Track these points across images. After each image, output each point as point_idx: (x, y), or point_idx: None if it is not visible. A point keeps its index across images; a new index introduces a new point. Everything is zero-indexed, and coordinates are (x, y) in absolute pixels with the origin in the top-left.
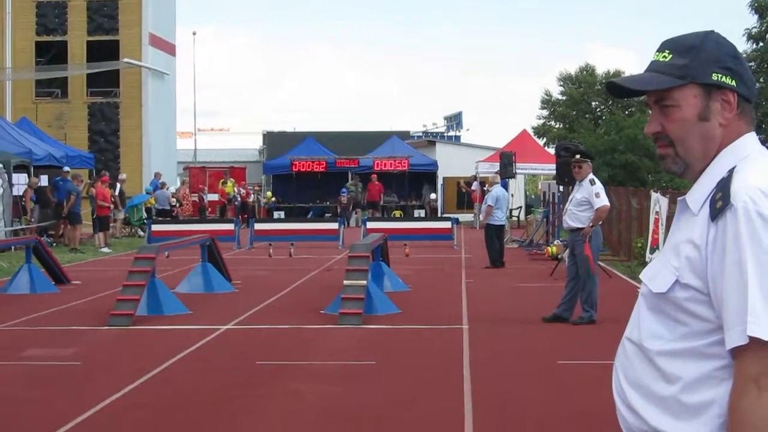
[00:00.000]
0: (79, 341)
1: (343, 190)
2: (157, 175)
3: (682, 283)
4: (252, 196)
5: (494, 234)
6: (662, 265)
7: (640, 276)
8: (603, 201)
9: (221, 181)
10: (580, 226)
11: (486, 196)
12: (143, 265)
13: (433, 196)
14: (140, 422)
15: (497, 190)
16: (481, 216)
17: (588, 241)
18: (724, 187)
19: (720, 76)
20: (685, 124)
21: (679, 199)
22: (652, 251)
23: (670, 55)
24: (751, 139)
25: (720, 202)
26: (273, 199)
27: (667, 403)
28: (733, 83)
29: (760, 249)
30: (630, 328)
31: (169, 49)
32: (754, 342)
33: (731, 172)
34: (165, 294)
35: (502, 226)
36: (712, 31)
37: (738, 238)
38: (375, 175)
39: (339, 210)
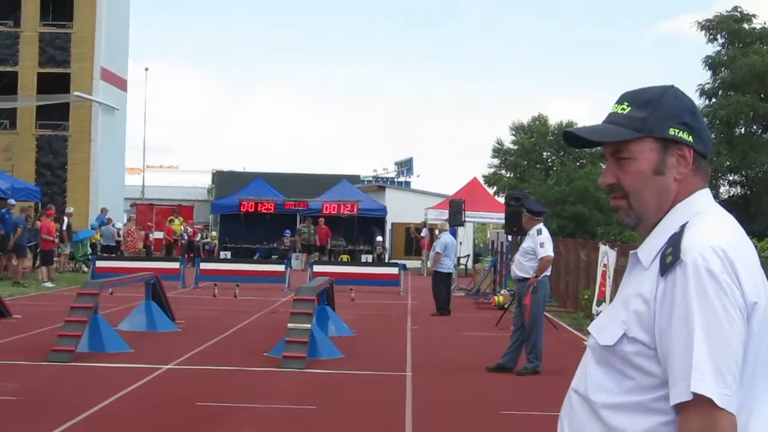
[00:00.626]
0: (18, 377)
1: (287, 231)
2: (104, 211)
3: (630, 336)
4: (198, 235)
5: (441, 281)
6: (611, 318)
7: (588, 328)
8: (547, 251)
9: (169, 219)
10: (526, 276)
11: (434, 243)
12: (86, 301)
13: (379, 239)
14: None
15: (446, 237)
16: (429, 263)
17: (533, 292)
18: (675, 242)
19: (677, 131)
20: (640, 177)
21: (630, 252)
22: (599, 303)
23: (629, 108)
24: (705, 195)
25: (670, 257)
26: (214, 241)
27: None
28: (690, 139)
29: (707, 305)
30: (576, 380)
31: (121, 84)
32: (698, 399)
33: (683, 227)
34: (107, 331)
35: (450, 273)
36: (672, 86)
37: (686, 294)
38: (323, 219)
39: (282, 252)
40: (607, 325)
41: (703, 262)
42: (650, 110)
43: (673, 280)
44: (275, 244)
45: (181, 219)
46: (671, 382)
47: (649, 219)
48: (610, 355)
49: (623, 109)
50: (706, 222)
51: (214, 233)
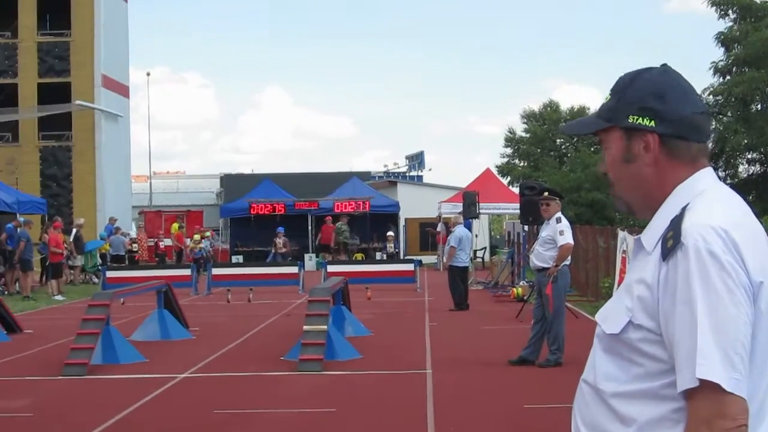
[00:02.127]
0: (31, 392)
1: (280, 228)
2: (112, 221)
3: (635, 323)
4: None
5: (458, 276)
6: (615, 306)
7: (595, 317)
8: (566, 239)
9: (176, 225)
10: (545, 265)
11: (449, 237)
12: (97, 313)
13: (390, 234)
14: None
15: (460, 230)
16: (444, 258)
17: (553, 282)
18: (675, 225)
19: (636, 118)
20: (615, 166)
21: (634, 238)
22: None
23: (608, 96)
24: (705, 174)
25: (671, 240)
26: (202, 246)
27: None
28: (652, 124)
29: (710, 288)
30: (586, 370)
31: (123, 90)
32: (705, 384)
33: (684, 209)
34: (120, 342)
35: (466, 267)
36: (650, 68)
37: (688, 278)
38: (330, 218)
39: (273, 256)
40: (611, 313)
41: (704, 244)
42: (617, 98)
43: (675, 263)
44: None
45: (177, 225)
46: (677, 369)
47: (638, 205)
48: (617, 343)
49: (607, 97)
50: (707, 202)
51: (197, 236)
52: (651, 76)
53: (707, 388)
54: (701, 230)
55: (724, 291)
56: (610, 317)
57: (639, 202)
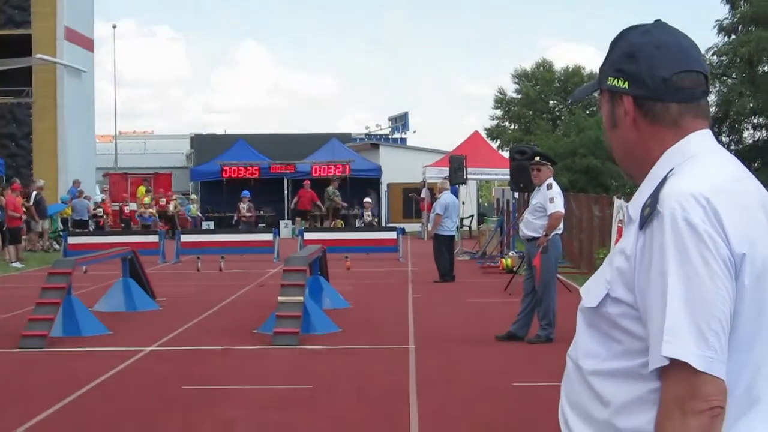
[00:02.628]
0: None
1: (246, 192)
2: (76, 183)
3: (612, 297)
4: (172, 204)
5: (444, 245)
6: (597, 278)
7: (580, 290)
8: (557, 207)
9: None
10: (535, 235)
11: (434, 204)
12: (58, 281)
13: (367, 200)
14: None
15: (446, 197)
16: (429, 226)
17: (542, 252)
18: (655, 192)
19: (613, 80)
20: (606, 132)
21: (624, 206)
22: None
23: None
24: (698, 138)
25: (648, 209)
26: (153, 211)
27: (602, 427)
28: (625, 85)
29: (685, 260)
30: (571, 347)
31: (87, 44)
32: (675, 363)
33: (666, 176)
34: (82, 313)
35: (452, 236)
36: (637, 26)
37: (663, 248)
38: (308, 182)
39: (236, 222)
40: (594, 286)
41: (682, 212)
42: (604, 60)
43: (651, 233)
44: (262, 212)
45: (144, 188)
46: (651, 345)
47: (634, 172)
48: (597, 317)
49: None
50: (693, 168)
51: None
52: (631, 36)
53: (678, 366)
54: (680, 198)
55: (700, 263)
56: (591, 290)
57: (633, 169)
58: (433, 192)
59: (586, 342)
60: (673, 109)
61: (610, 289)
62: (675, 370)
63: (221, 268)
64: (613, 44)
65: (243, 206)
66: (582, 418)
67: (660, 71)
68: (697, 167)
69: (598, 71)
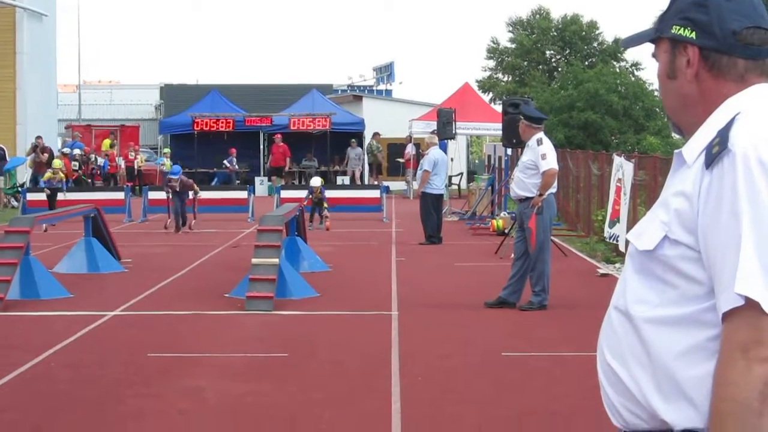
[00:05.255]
0: None
1: (229, 159)
2: (38, 140)
3: (671, 239)
4: (139, 158)
5: (431, 204)
6: (650, 221)
7: (626, 236)
8: (550, 164)
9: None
10: (527, 194)
11: (422, 161)
12: (16, 240)
13: (353, 153)
14: (10, 427)
15: (435, 152)
16: (415, 183)
17: (538, 213)
18: (723, 133)
19: (678, 28)
20: (660, 81)
21: (675, 152)
22: (612, 225)
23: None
24: (760, 89)
25: (717, 147)
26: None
27: (656, 377)
28: (693, 35)
29: (757, 200)
30: (616, 296)
31: None
32: (747, 305)
33: (733, 119)
34: (41, 274)
35: (441, 195)
36: None
37: (735, 187)
38: (279, 135)
39: (231, 178)
40: (646, 229)
41: (755, 152)
42: (668, 6)
43: (721, 172)
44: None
45: (109, 141)
46: (719, 288)
47: (686, 125)
48: (651, 261)
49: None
50: (760, 114)
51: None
52: None
53: (747, 310)
54: (752, 138)
55: None
56: (644, 233)
57: (686, 121)
58: (420, 148)
59: (637, 288)
60: (740, 64)
61: (669, 230)
62: (742, 313)
63: (191, 227)
64: None
65: (227, 164)
66: (631, 371)
67: (730, 23)
68: (762, 113)
69: (658, 19)
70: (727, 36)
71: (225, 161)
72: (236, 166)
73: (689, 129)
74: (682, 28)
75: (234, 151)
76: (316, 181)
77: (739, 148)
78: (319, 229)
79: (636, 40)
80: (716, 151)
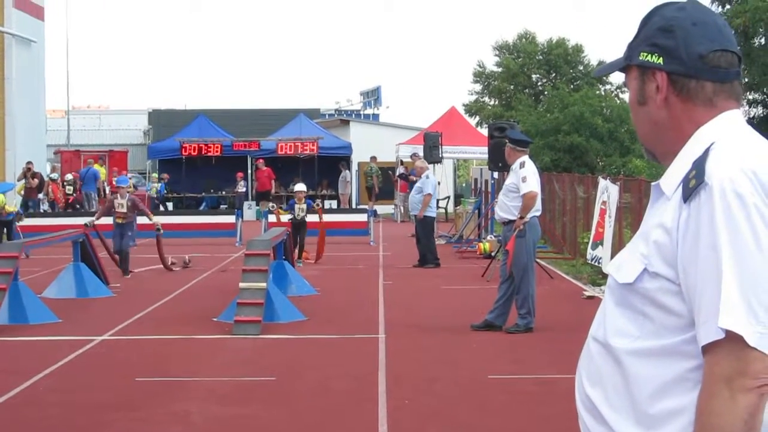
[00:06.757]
0: None
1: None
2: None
3: (651, 271)
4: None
5: (431, 228)
6: (630, 254)
7: (605, 269)
8: (530, 186)
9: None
10: (511, 217)
11: (421, 184)
12: (4, 266)
13: (345, 175)
14: None
15: (432, 177)
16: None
17: (518, 236)
18: (698, 165)
19: (646, 54)
20: (632, 108)
21: (653, 184)
22: (595, 247)
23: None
24: (731, 117)
25: (693, 180)
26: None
27: (636, 409)
28: (660, 61)
29: (736, 232)
30: (595, 326)
31: (37, 12)
32: (728, 338)
33: (707, 150)
34: (30, 299)
35: (434, 218)
36: (667, 2)
37: (713, 221)
38: (261, 160)
39: (236, 201)
40: (625, 262)
41: (731, 185)
42: (636, 34)
43: (698, 205)
44: (224, 192)
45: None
46: (700, 320)
47: (659, 151)
48: (631, 294)
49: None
50: (733, 143)
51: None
52: (667, 11)
53: (729, 342)
54: (728, 170)
55: (750, 236)
56: (623, 266)
57: (659, 147)
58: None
59: (617, 320)
60: (708, 88)
61: (648, 263)
62: (725, 345)
63: (187, 263)
64: (646, 19)
65: (240, 188)
66: (609, 401)
67: (697, 47)
68: (739, 143)
69: (627, 47)
70: (694, 60)
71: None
72: (244, 189)
73: (662, 155)
74: (650, 55)
75: (242, 174)
76: (300, 186)
77: (715, 181)
78: (299, 266)
79: (607, 69)
80: (693, 185)
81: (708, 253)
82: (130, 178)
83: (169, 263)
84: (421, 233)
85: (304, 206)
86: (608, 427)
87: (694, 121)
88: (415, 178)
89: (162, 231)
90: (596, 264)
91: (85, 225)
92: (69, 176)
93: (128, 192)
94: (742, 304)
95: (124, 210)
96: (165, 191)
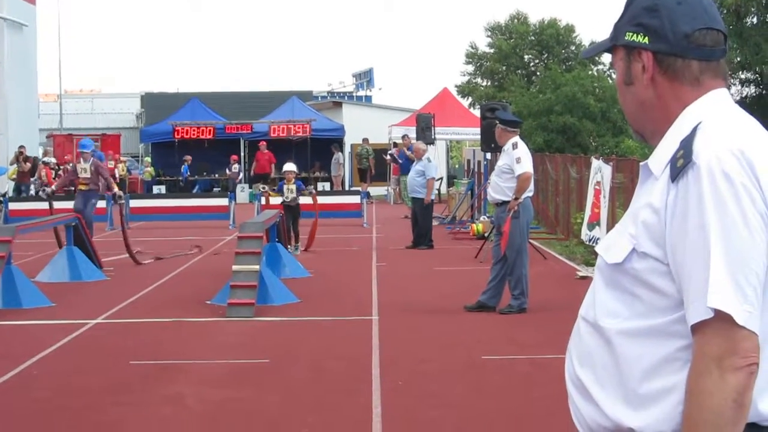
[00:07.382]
0: None
1: (229, 166)
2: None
3: (639, 251)
4: (120, 167)
5: (429, 210)
6: (619, 234)
7: (596, 248)
8: (524, 167)
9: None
10: (504, 198)
11: (422, 167)
12: None
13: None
14: None
15: (433, 159)
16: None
17: (513, 217)
18: (686, 144)
19: (632, 34)
20: (619, 88)
21: (641, 164)
22: (591, 227)
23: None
24: (718, 96)
25: (681, 160)
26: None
27: (625, 388)
28: (646, 41)
29: (723, 212)
30: (585, 307)
31: None
32: (718, 317)
33: (695, 129)
34: (23, 283)
35: (433, 200)
36: None
37: (701, 200)
38: (264, 143)
39: (229, 184)
40: (615, 242)
41: (718, 164)
42: (621, 15)
43: (686, 185)
44: (216, 175)
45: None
46: (689, 300)
47: (647, 132)
48: (620, 274)
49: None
50: (721, 122)
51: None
52: None
53: (718, 321)
54: (715, 150)
55: (738, 216)
56: (612, 246)
57: (647, 127)
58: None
59: (606, 301)
60: (694, 66)
61: (637, 243)
62: (714, 324)
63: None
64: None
65: (234, 170)
66: (599, 380)
67: (682, 26)
68: (726, 122)
69: (613, 28)
70: (680, 39)
71: (227, 169)
72: (238, 172)
73: (650, 135)
74: (635, 35)
75: (236, 157)
76: (289, 166)
77: (703, 161)
78: (296, 254)
79: (594, 50)
80: (681, 165)
81: (696, 232)
82: (123, 162)
83: (135, 252)
84: (421, 215)
85: (293, 187)
86: (596, 406)
87: (681, 100)
88: (401, 161)
89: (123, 200)
90: (593, 244)
91: (43, 191)
92: (70, 165)
93: (91, 157)
94: (730, 283)
95: (88, 175)
96: (188, 174)
